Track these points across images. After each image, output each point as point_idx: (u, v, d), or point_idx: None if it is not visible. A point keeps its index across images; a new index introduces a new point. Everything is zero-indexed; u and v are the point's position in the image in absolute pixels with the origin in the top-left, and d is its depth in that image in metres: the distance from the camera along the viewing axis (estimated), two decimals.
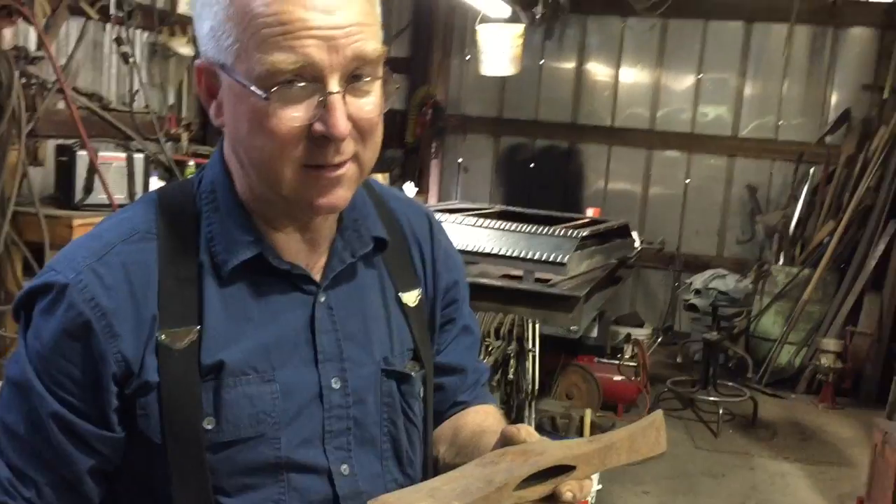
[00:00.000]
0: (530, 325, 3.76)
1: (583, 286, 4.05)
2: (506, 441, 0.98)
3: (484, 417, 1.27)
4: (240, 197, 1.07)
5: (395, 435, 1.14)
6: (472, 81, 7.78)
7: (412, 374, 1.16)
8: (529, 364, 3.76)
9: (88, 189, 3.82)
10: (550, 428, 4.25)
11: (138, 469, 1.03)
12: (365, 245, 1.14)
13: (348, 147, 0.99)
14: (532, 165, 7.84)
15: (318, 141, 0.97)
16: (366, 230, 1.14)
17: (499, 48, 6.30)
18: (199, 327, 1.01)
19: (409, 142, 7.60)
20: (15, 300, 1.05)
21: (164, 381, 0.99)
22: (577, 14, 7.47)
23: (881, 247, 6.10)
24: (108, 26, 4.51)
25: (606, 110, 7.63)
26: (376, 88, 1.01)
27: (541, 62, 7.70)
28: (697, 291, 5.58)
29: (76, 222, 3.63)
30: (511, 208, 5.90)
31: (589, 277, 4.30)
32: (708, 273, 5.73)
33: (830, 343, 5.90)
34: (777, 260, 6.77)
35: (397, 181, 7.16)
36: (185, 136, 5.22)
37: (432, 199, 7.63)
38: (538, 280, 3.98)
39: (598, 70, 7.65)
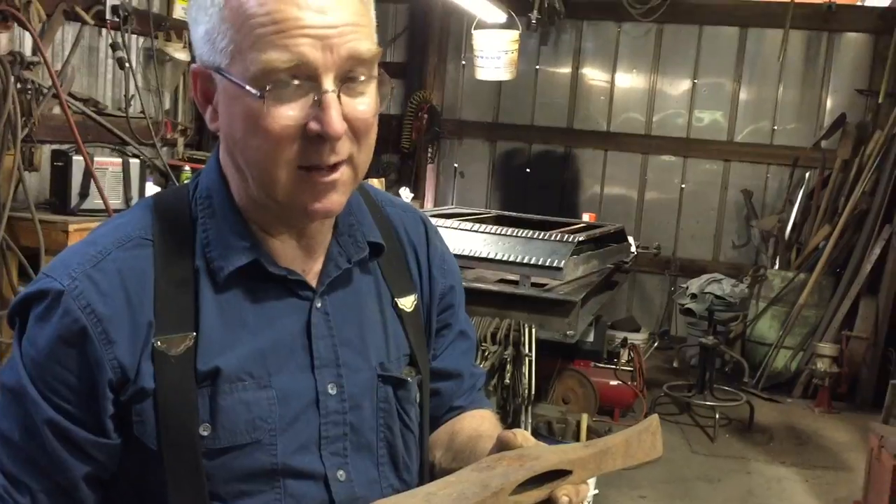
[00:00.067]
0: (527, 330, 3.76)
1: (579, 291, 4.05)
2: (502, 446, 0.98)
3: (480, 422, 1.27)
4: (235, 203, 1.07)
5: (392, 440, 1.14)
6: (468, 86, 7.79)
7: (408, 379, 1.16)
8: (526, 369, 3.75)
9: (84, 194, 3.82)
10: (547, 433, 4.25)
11: (134, 475, 1.03)
12: (361, 250, 1.14)
13: (343, 147, 0.99)
14: (528, 170, 7.84)
15: (313, 141, 0.97)
16: (361, 235, 1.14)
17: (494, 53, 6.32)
18: (194, 334, 1.01)
19: (405, 147, 7.61)
20: (10, 306, 1.05)
21: (160, 388, 0.99)
22: (573, 19, 7.48)
23: (877, 251, 6.10)
24: (104, 31, 4.51)
25: (602, 115, 7.64)
26: (371, 90, 1.01)
27: (536, 67, 7.70)
28: (693, 296, 5.57)
29: (72, 227, 3.63)
30: (507, 213, 5.91)
31: (585, 282, 4.30)
32: (704, 277, 5.73)
33: (826, 347, 5.90)
34: (773, 264, 6.78)
35: (393, 186, 7.16)
36: (180, 141, 5.22)
37: (428, 204, 7.63)
38: (534, 285, 3.98)
39: (594, 75, 7.66)
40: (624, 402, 5.36)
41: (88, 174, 3.79)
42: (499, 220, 5.27)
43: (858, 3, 7.14)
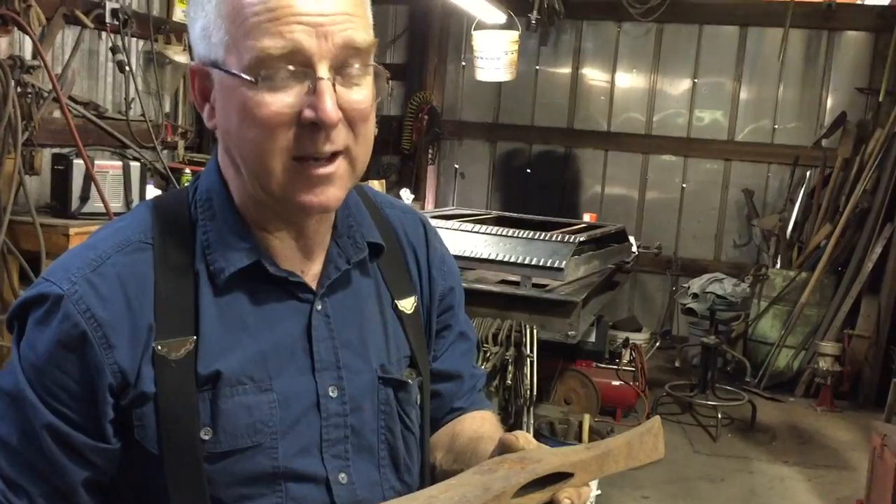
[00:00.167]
0: (528, 331, 3.76)
1: (580, 291, 4.05)
2: (503, 448, 0.97)
3: (480, 423, 1.27)
4: (235, 204, 1.07)
5: (393, 442, 1.13)
6: (468, 87, 7.79)
7: (409, 381, 1.16)
8: (527, 369, 3.75)
9: (85, 198, 3.82)
10: (549, 433, 4.25)
11: (135, 479, 1.02)
12: (360, 251, 1.13)
13: (339, 137, 0.99)
14: (528, 171, 7.85)
15: (308, 129, 0.97)
16: (361, 236, 1.14)
17: (494, 54, 6.32)
18: (195, 337, 1.01)
19: (405, 148, 7.61)
20: (9, 310, 1.05)
21: (161, 392, 0.99)
22: (573, 19, 7.49)
23: (878, 249, 6.10)
24: (104, 35, 4.51)
25: (602, 115, 7.64)
26: (367, 82, 1.01)
27: (536, 67, 7.71)
28: (695, 295, 5.57)
29: (72, 231, 3.63)
30: (508, 214, 5.91)
31: (586, 282, 4.30)
32: (705, 277, 5.73)
33: (828, 346, 5.90)
34: (774, 263, 6.78)
35: (394, 187, 7.16)
36: (181, 144, 5.23)
37: (429, 206, 7.63)
38: (535, 285, 3.98)
39: (594, 75, 7.66)
40: (626, 403, 5.35)
41: (89, 178, 3.79)
42: (499, 221, 5.28)
43: (858, 2, 7.14)
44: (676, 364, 6.80)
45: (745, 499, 4.44)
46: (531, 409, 3.86)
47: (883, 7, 6.88)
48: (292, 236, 1.08)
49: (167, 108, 5.24)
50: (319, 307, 1.09)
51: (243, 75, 0.95)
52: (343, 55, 0.97)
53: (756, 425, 5.49)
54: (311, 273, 1.10)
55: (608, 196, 7.68)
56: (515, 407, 3.79)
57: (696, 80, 7.38)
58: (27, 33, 3.76)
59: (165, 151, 5.03)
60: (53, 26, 4.09)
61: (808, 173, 6.89)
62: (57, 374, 0.97)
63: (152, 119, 4.87)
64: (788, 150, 7.07)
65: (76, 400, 0.98)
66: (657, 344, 6.55)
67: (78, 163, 3.79)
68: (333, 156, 0.99)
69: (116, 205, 3.90)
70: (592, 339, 5.21)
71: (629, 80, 7.57)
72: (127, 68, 4.52)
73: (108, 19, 4.38)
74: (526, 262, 3.94)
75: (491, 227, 4.38)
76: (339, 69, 0.97)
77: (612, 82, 7.60)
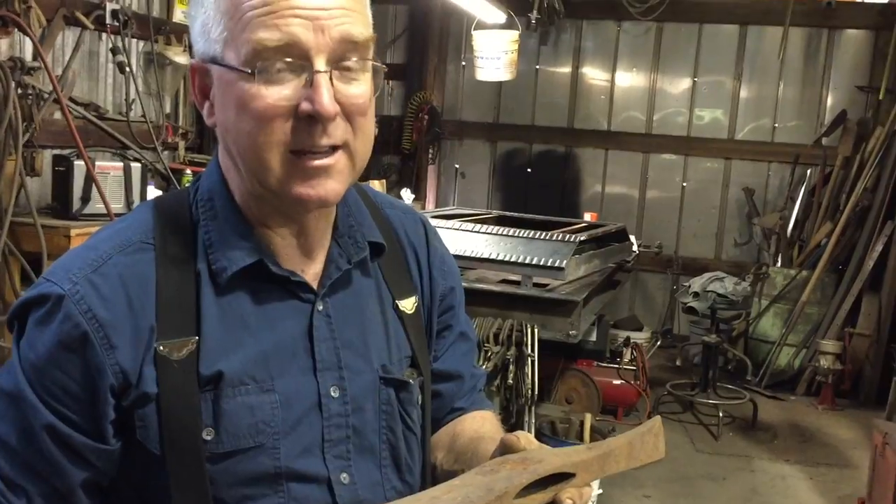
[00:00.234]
0: (529, 330, 3.76)
1: (581, 290, 4.05)
2: (505, 449, 0.97)
3: (481, 423, 1.27)
4: (237, 203, 1.07)
5: (394, 443, 1.13)
6: (468, 87, 7.80)
7: (410, 381, 1.16)
8: (529, 369, 3.75)
9: (86, 199, 3.82)
10: (550, 433, 4.25)
11: (137, 480, 1.02)
12: (361, 251, 1.13)
13: (336, 131, 0.99)
14: (529, 170, 7.85)
15: (306, 122, 0.97)
16: (361, 236, 1.14)
17: (494, 54, 6.32)
18: (197, 338, 1.01)
19: (405, 148, 7.61)
20: (10, 310, 1.04)
21: (163, 393, 0.99)
22: (572, 19, 7.49)
23: (879, 247, 6.10)
24: (104, 36, 4.51)
25: (603, 114, 7.64)
26: (366, 78, 1.01)
27: (536, 67, 7.71)
28: (696, 294, 5.57)
29: (74, 232, 3.63)
30: (508, 213, 5.91)
31: (587, 282, 4.30)
32: (706, 276, 5.73)
33: (829, 344, 5.90)
34: (775, 262, 6.78)
35: (394, 187, 7.16)
36: (181, 145, 5.23)
37: (430, 205, 7.64)
38: (536, 285, 3.98)
39: (594, 74, 7.66)
40: (627, 402, 5.35)
41: (90, 179, 3.79)
42: (500, 221, 5.28)
43: (858, 0, 7.13)
44: (677, 363, 6.80)
45: (746, 497, 4.44)
46: (532, 408, 3.87)
47: (883, 5, 6.88)
48: (293, 234, 1.08)
49: (167, 109, 5.24)
50: (321, 307, 1.09)
51: (240, 68, 0.96)
52: (341, 49, 0.97)
53: (757, 424, 5.49)
54: (312, 272, 1.10)
55: (609, 195, 7.68)
56: (517, 406, 3.79)
57: (696, 79, 7.39)
58: (27, 35, 3.76)
59: (166, 152, 5.04)
60: (54, 27, 4.10)
61: (808, 171, 6.88)
62: (57, 375, 0.97)
63: (153, 120, 4.87)
64: (789, 149, 7.07)
65: (76, 400, 0.98)
66: (658, 343, 6.55)
67: (79, 164, 3.79)
68: (332, 149, 1.00)
69: (117, 206, 3.91)
70: (593, 338, 5.21)
71: (629, 80, 7.57)
72: (127, 69, 4.52)
73: (108, 20, 4.39)
74: (527, 261, 3.94)
75: (492, 227, 4.38)
76: (337, 63, 0.98)
77: (613, 81, 7.60)
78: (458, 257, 4.01)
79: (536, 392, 3.85)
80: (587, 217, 6.37)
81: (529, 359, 3.74)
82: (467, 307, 1.34)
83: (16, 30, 3.74)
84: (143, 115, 4.72)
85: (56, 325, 0.97)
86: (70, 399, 0.97)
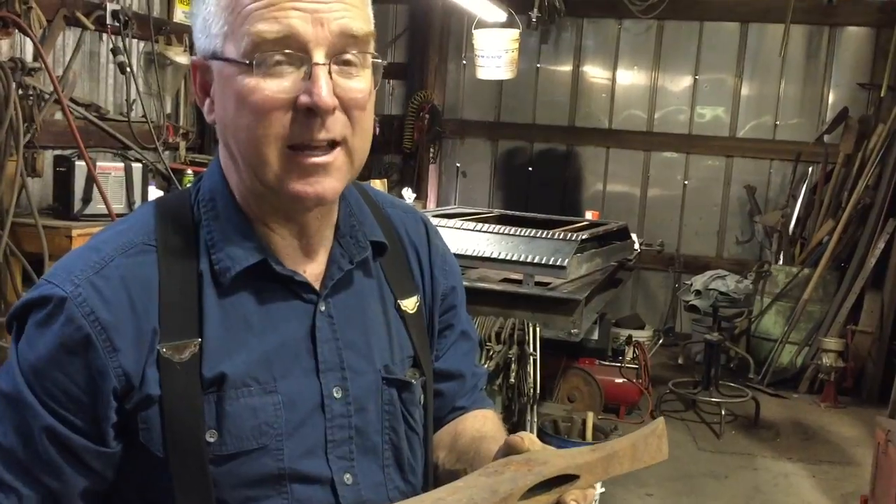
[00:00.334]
0: (531, 329, 3.76)
1: (583, 289, 4.04)
2: (509, 450, 0.97)
3: (483, 422, 1.27)
4: (238, 203, 1.06)
5: (397, 443, 1.13)
6: (469, 86, 7.79)
7: (413, 381, 1.16)
8: (531, 368, 3.75)
9: (87, 199, 3.82)
10: (552, 431, 4.25)
11: (140, 483, 1.02)
12: (363, 250, 1.13)
13: (335, 126, 0.98)
14: (530, 169, 7.85)
15: (304, 116, 0.96)
16: (363, 235, 1.14)
17: (495, 52, 6.31)
18: (199, 339, 1.00)
19: (406, 147, 7.61)
20: (10, 311, 1.04)
21: (167, 395, 0.98)
22: (573, 17, 7.48)
23: (881, 245, 6.10)
24: (105, 36, 4.51)
25: (604, 112, 7.64)
26: (366, 74, 1.01)
27: (537, 66, 7.71)
28: (698, 292, 5.56)
29: (75, 233, 3.63)
30: (510, 212, 5.90)
31: (589, 280, 4.29)
32: (708, 274, 5.72)
33: (832, 342, 5.89)
34: (777, 260, 6.77)
35: (395, 187, 7.16)
36: (182, 145, 5.23)
37: (431, 205, 7.63)
38: (538, 284, 3.98)
39: (595, 72, 7.66)
40: (629, 400, 5.35)
41: (91, 179, 3.79)
42: (501, 220, 5.27)
43: None
44: (679, 361, 6.79)
45: (749, 495, 4.44)
46: (534, 407, 3.86)
47: (883, 2, 6.87)
48: (294, 234, 1.07)
49: (168, 109, 5.24)
50: (323, 308, 1.08)
51: (239, 59, 0.96)
52: (340, 43, 0.97)
53: (760, 422, 5.49)
54: (313, 272, 1.09)
55: (610, 193, 7.68)
56: (519, 405, 3.79)
57: (697, 77, 7.38)
58: (28, 35, 3.76)
59: (167, 152, 5.04)
60: (54, 28, 4.10)
61: (810, 169, 6.88)
62: (58, 377, 0.96)
63: (153, 120, 4.87)
64: (790, 147, 7.06)
65: (77, 403, 0.97)
66: (660, 341, 6.55)
67: (80, 164, 3.79)
68: (331, 146, 0.99)
69: (118, 206, 3.91)
70: (595, 336, 5.21)
71: (630, 78, 7.57)
72: (128, 69, 4.52)
73: (108, 21, 4.39)
74: (528, 260, 3.93)
75: (493, 226, 4.37)
76: (336, 57, 0.98)
77: (613, 80, 7.59)
78: (459, 256, 4.02)
79: (538, 391, 3.85)
80: (588, 215, 6.36)
81: (531, 357, 3.73)
82: (469, 306, 1.34)
83: (16, 30, 3.74)
84: (144, 116, 4.72)
85: (57, 328, 0.96)
86: (70, 401, 0.97)
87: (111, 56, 4.53)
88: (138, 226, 1.05)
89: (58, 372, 0.96)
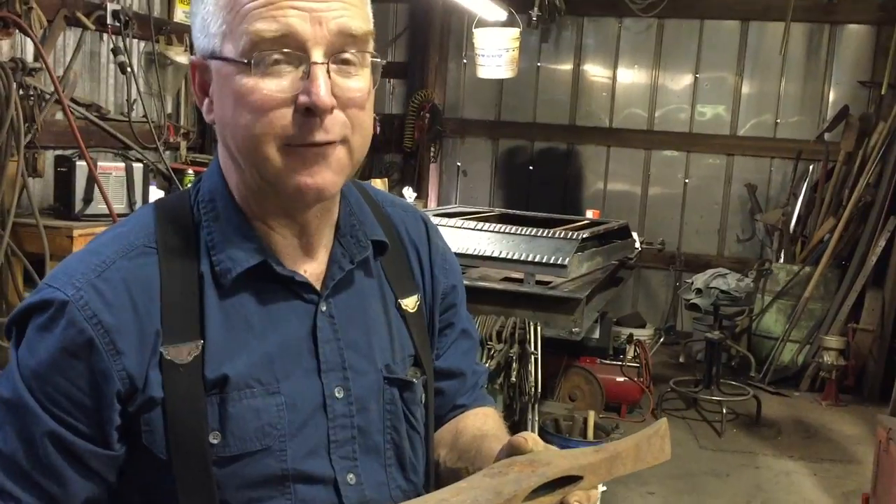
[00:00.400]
0: (532, 328, 3.75)
1: (584, 288, 4.04)
2: (512, 450, 0.96)
3: (483, 421, 1.27)
4: (238, 203, 1.06)
5: (399, 442, 1.13)
6: (469, 85, 7.79)
7: (414, 380, 1.16)
8: (532, 367, 3.75)
9: (88, 199, 3.83)
10: (554, 430, 4.25)
11: (143, 485, 1.02)
12: (364, 249, 1.13)
13: (334, 127, 0.98)
14: (531, 168, 7.84)
15: (303, 116, 0.96)
16: (364, 235, 1.14)
17: (496, 51, 6.31)
18: (202, 341, 1.00)
19: (407, 146, 7.61)
20: (10, 316, 1.03)
21: (169, 397, 0.98)
22: (573, 16, 7.48)
23: (882, 243, 6.09)
24: (105, 36, 4.52)
25: (604, 111, 7.63)
26: (364, 74, 1.01)
27: (538, 64, 7.70)
28: (699, 291, 5.56)
29: (76, 233, 3.64)
30: (510, 211, 5.90)
31: (590, 279, 4.29)
32: (709, 272, 5.72)
33: (833, 340, 5.89)
34: (778, 258, 6.77)
35: (396, 186, 7.16)
36: (183, 145, 5.23)
37: (432, 204, 7.63)
38: (539, 282, 3.97)
39: (596, 71, 7.65)
40: (630, 399, 5.35)
41: (92, 179, 3.80)
42: (502, 219, 5.27)
43: None
44: (681, 360, 6.79)
45: (750, 494, 4.44)
46: (536, 406, 3.86)
47: None
48: (295, 233, 1.07)
49: (169, 109, 5.24)
50: (324, 308, 1.08)
51: (237, 59, 0.96)
52: (339, 42, 0.97)
53: (761, 420, 5.49)
54: (313, 272, 1.09)
55: (611, 192, 7.67)
56: (520, 404, 3.79)
57: (697, 76, 7.38)
58: (28, 35, 3.76)
59: (168, 152, 5.04)
60: (55, 28, 4.10)
61: (810, 167, 6.87)
62: (60, 381, 0.96)
63: (154, 120, 4.88)
64: (791, 145, 7.06)
65: (80, 407, 0.97)
66: (661, 340, 6.55)
67: (81, 164, 3.80)
68: (329, 144, 0.99)
69: (119, 206, 3.91)
70: (596, 335, 5.21)
71: (631, 76, 7.57)
72: (128, 69, 4.52)
73: (109, 21, 4.39)
74: (529, 259, 3.93)
75: (494, 225, 4.37)
76: (335, 56, 0.97)
77: (614, 78, 7.59)
78: (460, 255, 4.02)
79: (540, 390, 3.85)
80: (589, 214, 6.36)
81: (532, 356, 3.73)
82: (470, 305, 1.34)
83: (17, 31, 3.74)
84: (145, 116, 4.72)
85: (59, 331, 0.96)
86: (73, 405, 0.96)
87: (112, 56, 4.54)
88: (138, 228, 1.05)
89: (60, 376, 0.96)
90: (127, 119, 4.61)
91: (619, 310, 6.91)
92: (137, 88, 4.71)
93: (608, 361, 5.33)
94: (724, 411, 5.30)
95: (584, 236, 4.24)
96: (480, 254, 4.05)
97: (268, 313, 1.05)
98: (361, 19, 0.99)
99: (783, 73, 7.15)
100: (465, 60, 7.77)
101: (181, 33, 4.99)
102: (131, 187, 4.02)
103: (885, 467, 3.60)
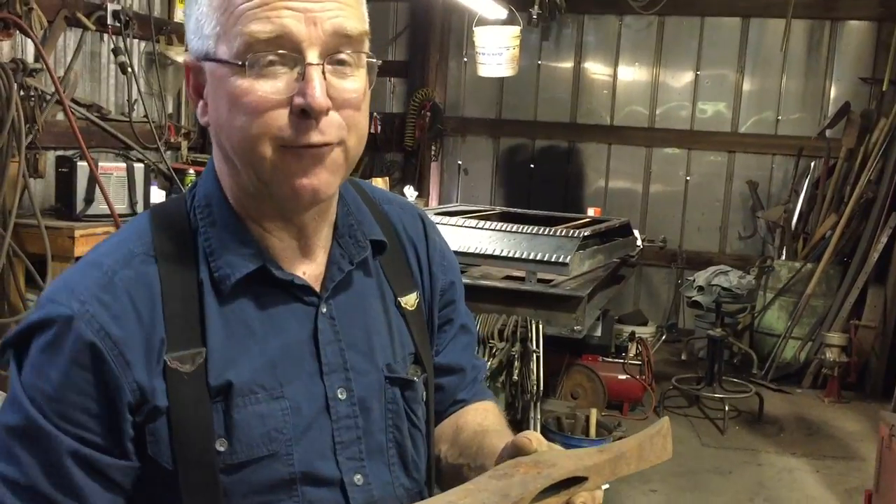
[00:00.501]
0: (534, 326, 3.76)
1: (585, 286, 4.04)
2: (516, 451, 0.96)
3: (484, 416, 1.27)
4: (234, 207, 1.05)
5: (401, 441, 1.13)
6: (470, 83, 7.79)
7: (415, 379, 1.16)
8: (534, 365, 3.75)
9: (89, 200, 3.83)
10: (556, 428, 4.25)
11: (148, 496, 1.01)
12: (363, 250, 1.13)
13: (330, 128, 0.97)
14: (532, 166, 7.84)
15: (298, 118, 0.95)
16: (362, 234, 1.13)
17: (496, 49, 6.30)
18: (204, 349, 0.99)
19: (408, 145, 7.61)
20: (7, 338, 0.99)
21: (174, 405, 0.97)
22: (574, 14, 7.46)
23: (884, 240, 6.09)
24: (106, 37, 4.52)
25: (605, 109, 7.63)
26: (360, 74, 1.00)
27: (538, 62, 7.70)
28: (700, 288, 5.56)
29: (78, 233, 3.64)
30: (512, 209, 5.90)
31: (591, 277, 4.29)
32: (710, 270, 5.71)
33: (835, 337, 5.89)
34: (779, 255, 6.76)
35: (397, 185, 7.16)
36: (184, 145, 5.23)
37: (433, 202, 7.63)
38: (541, 281, 3.97)
39: (596, 69, 7.65)
40: (633, 396, 5.35)
41: (93, 179, 3.80)
42: (504, 217, 5.27)
43: None
44: (683, 357, 6.79)
45: (753, 491, 4.44)
46: (538, 404, 3.86)
47: None
48: (292, 235, 1.07)
49: (170, 109, 5.24)
50: (324, 310, 1.08)
51: (232, 60, 0.95)
52: (334, 43, 0.96)
53: (763, 417, 5.49)
54: (312, 273, 1.09)
55: (612, 190, 7.67)
56: (522, 402, 3.79)
57: (698, 73, 7.37)
58: (29, 36, 3.76)
59: (169, 152, 5.04)
60: (55, 29, 4.10)
61: (812, 164, 6.87)
62: (75, 399, 0.94)
63: (155, 120, 4.88)
64: (792, 141, 7.05)
65: (98, 421, 0.95)
66: (663, 337, 6.55)
67: (82, 165, 3.80)
68: (325, 146, 0.98)
69: (121, 206, 3.91)
70: (598, 333, 5.21)
71: (631, 74, 7.56)
72: (129, 70, 4.53)
73: (109, 21, 4.40)
74: (531, 257, 3.93)
75: (495, 223, 4.37)
76: (330, 57, 0.96)
77: (615, 76, 7.59)
78: (461, 254, 4.02)
79: (542, 388, 3.85)
80: (591, 212, 6.36)
81: (534, 355, 3.73)
82: (472, 304, 1.34)
83: (17, 31, 3.74)
84: (146, 116, 4.72)
85: (68, 348, 0.94)
86: (91, 420, 0.95)
87: (112, 56, 4.54)
88: (135, 236, 1.04)
89: (75, 394, 0.94)
90: (128, 119, 4.61)
91: (621, 308, 6.91)
92: (138, 88, 4.71)
93: (610, 359, 5.33)
94: (727, 409, 5.30)
95: (586, 234, 4.24)
96: (482, 252, 4.05)
97: (268, 317, 1.04)
98: (356, 19, 0.99)
99: (784, 70, 7.14)
100: (465, 59, 7.77)
101: (181, 33, 4.99)
102: (132, 187, 4.03)
103: (887, 464, 3.60)
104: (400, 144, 7.64)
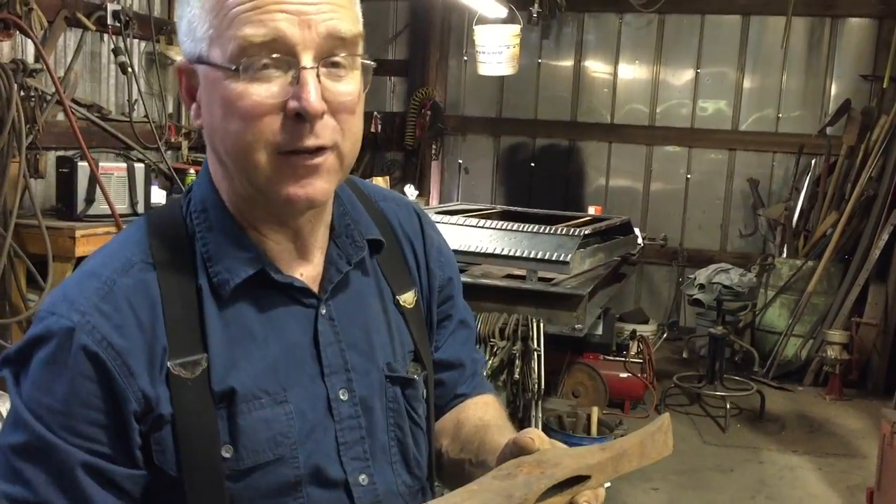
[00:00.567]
0: (535, 325, 3.76)
1: (586, 284, 4.05)
2: (519, 450, 0.96)
3: (484, 410, 1.27)
4: (230, 211, 1.05)
5: (403, 439, 1.13)
6: (470, 82, 7.79)
7: (415, 377, 1.16)
8: (535, 363, 3.75)
9: (90, 200, 3.83)
10: (557, 427, 4.25)
11: (156, 503, 1.00)
12: (360, 250, 1.12)
13: (325, 132, 0.96)
14: (532, 164, 7.84)
15: (293, 122, 0.95)
16: (359, 234, 1.13)
17: (496, 48, 6.30)
18: (206, 355, 0.99)
19: (408, 144, 7.61)
20: (3, 356, 0.98)
21: (179, 413, 0.96)
22: (574, 12, 7.47)
23: (885, 237, 6.08)
24: (106, 37, 4.51)
25: (605, 107, 7.63)
26: (354, 76, 1.00)
27: (539, 61, 7.70)
28: (701, 286, 5.56)
29: (78, 233, 3.64)
30: (512, 208, 5.90)
31: (592, 275, 4.29)
32: (712, 268, 5.71)
33: (836, 334, 5.89)
34: (780, 253, 6.76)
35: (398, 184, 7.16)
36: (184, 145, 5.23)
37: (433, 201, 7.63)
38: (541, 279, 3.98)
39: (597, 67, 7.65)
40: (634, 395, 5.35)
41: (94, 180, 3.80)
42: (504, 216, 5.27)
43: None
44: (684, 355, 6.79)
45: (755, 489, 4.43)
46: (539, 402, 3.86)
47: None
48: (289, 238, 1.06)
49: (170, 109, 5.24)
50: (324, 311, 1.08)
51: (225, 65, 0.94)
52: (328, 45, 0.95)
53: (765, 415, 5.49)
54: (310, 275, 1.08)
55: (613, 188, 7.67)
56: (523, 401, 3.79)
57: (698, 71, 7.37)
58: (29, 36, 3.76)
59: (169, 152, 5.04)
60: (55, 29, 4.10)
61: (813, 161, 6.86)
62: (82, 411, 0.93)
63: (155, 120, 4.88)
64: (793, 139, 7.05)
65: (106, 431, 0.94)
66: (664, 335, 6.54)
67: (82, 165, 3.80)
68: (320, 149, 0.97)
69: (121, 206, 3.91)
70: (599, 331, 5.21)
71: (632, 72, 7.56)
72: (129, 70, 4.52)
73: (109, 21, 4.39)
74: (531, 255, 3.93)
75: (496, 222, 4.37)
76: (325, 60, 0.96)
77: (615, 74, 7.58)
78: (462, 253, 4.02)
79: (543, 386, 3.85)
80: (591, 210, 6.36)
81: (535, 353, 3.73)
82: (472, 302, 1.34)
83: (17, 32, 3.74)
84: (146, 116, 4.72)
85: (72, 360, 0.93)
86: (100, 432, 0.94)
87: (112, 56, 4.53)
88: (132, 244, 1.03)
89: (81, 406, 0.93)
90: (128, 119, 4.61)
91: (622, 306, 6.91)
92: (138, 88, 4.71)
93: (611, 358, 5.33)
94: (728, 406, 5.30)
95: (587, 233, 4.24)
96: (482, 251, 4.06)
97: (268, 321, 1.04)
98: (350, 21, 0.98)
99: (784, 68, 7.14)
100: (465, 58, 7.76)
101: None
102: (133, 188, 4.02)
103: (889, 461, 3.60)
104: (400, 143, 7.65)
